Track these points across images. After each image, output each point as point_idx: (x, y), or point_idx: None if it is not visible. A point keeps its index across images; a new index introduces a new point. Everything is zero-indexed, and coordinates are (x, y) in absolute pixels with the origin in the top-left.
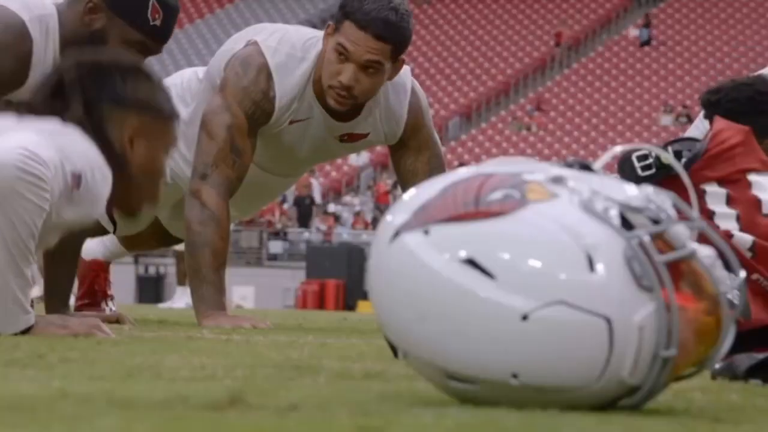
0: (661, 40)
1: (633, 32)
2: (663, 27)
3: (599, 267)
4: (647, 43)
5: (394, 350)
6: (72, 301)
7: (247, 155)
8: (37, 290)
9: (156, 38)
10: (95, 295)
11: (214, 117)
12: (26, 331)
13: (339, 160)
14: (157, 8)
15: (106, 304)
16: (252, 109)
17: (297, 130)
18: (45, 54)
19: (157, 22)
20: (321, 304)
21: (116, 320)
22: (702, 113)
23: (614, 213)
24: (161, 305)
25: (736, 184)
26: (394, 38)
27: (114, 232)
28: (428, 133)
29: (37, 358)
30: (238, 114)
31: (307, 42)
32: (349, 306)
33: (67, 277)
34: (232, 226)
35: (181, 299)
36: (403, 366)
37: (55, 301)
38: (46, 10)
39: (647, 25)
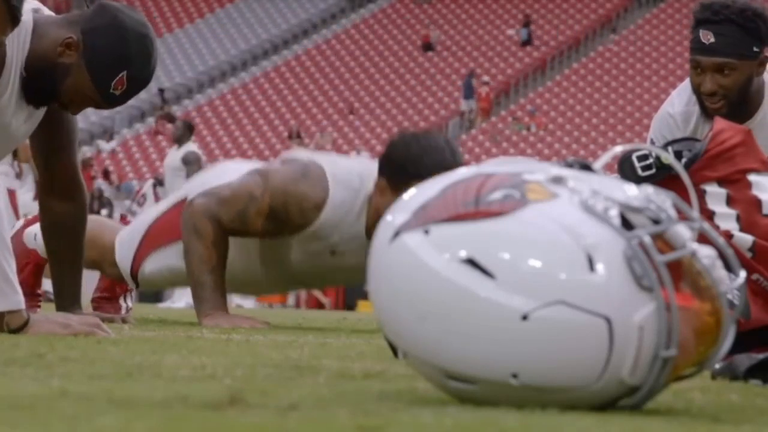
0: (543, 40)
1: (510, 32)
2: (663, 27)
3: (599, 267)
4: (528, 42)
5: (394, 350)
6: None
7: (246, 230)
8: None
9: (107, 103)
10: (114, 289)
11: (248, 180)
12: (25, 328)
13: None
14: (123, 82)
15: (125, 300)
16: (270, 223)
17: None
18: (10, 59)
19: (117, 93)
20: (321, 304)
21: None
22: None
23: (614, 213)
24: (161, 305)
25: (736, 184)
26: None
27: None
28: None
29: (36, 358)
30: (263, 204)
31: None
32: (349, 306)
33: (73, 276)
34: None
35: (181, 299)
36: (403, 366)
37: (64, 300)
38: (25, 17)
39: (527, 24)
